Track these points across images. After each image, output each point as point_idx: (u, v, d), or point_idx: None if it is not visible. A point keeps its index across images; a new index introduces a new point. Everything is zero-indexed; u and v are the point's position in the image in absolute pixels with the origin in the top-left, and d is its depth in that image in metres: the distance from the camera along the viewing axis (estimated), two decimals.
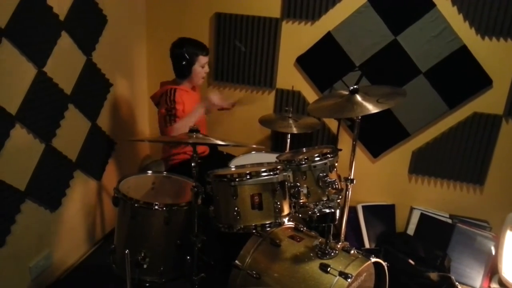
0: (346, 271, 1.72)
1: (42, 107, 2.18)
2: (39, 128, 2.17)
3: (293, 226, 2.13)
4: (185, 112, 2.50)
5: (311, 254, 1.86)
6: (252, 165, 2.05)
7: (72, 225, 2.62)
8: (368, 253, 1.88)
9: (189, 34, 2.66)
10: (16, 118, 2.01)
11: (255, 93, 3.16)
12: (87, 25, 2.50)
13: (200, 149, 2.66)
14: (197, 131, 2.00)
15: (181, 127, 2.37)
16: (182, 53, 2.53)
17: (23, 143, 2.10)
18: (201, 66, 2.60)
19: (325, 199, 1.92)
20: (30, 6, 2.00)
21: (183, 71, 2.58)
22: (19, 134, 2.06)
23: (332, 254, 1.83)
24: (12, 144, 2.01)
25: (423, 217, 2.96)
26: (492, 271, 2.70)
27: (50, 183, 2.33)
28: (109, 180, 2.93)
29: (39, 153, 2.22)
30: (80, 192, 2.64)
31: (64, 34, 2.28)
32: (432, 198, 3.04)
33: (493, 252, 2.68)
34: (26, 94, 2.05)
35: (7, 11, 1.89)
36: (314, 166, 1.93)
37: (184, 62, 2.54)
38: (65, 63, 2.31)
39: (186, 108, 2.51)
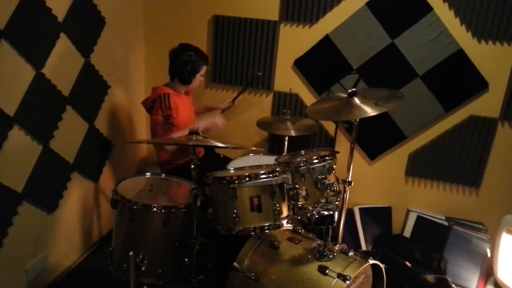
0: (345, 273, 1.73)
1: (40, 108, 2.18)
2: (36, 129, 2.17)
3: (292, 228, 2.13)
4: (180, 117, 2.51)
5: (310, 256, 1.87)
6: (251, 167, 2.05)
7: (69, 227, 2.61)
8: (365, 255, 1.89)
9: (187, 37, 2.67)
10: (14, 120, 2.01)
11: (253, 96, 3.17)
12: (86, 27, 2.49)
13: None
14: (196, 133, 2.01)
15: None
16: (191, 60, 2.54)
17: (21, 145, 2.09)
18: (201, 75, 2.65)
19: (323, 201, 1.93)
20: (29, 7, 2.00)
21: (184, 76, 2.58)
22: (17, 136, 2.05)
23: (331, 256, 1.84)
24: (10, 145, 2.00)
25: (420, 220, 2.97)
26: (488, 273, 2.72)
27: (47, 185, 2.32)
28: (106, 182, 2.93)
29: (37, 155, 2.21)
30: (77, 194, 2.64)
31: (62, 36, 2.27)
32: (429, 201, 3.06)
33: (489, 254, 2.70)
34: (24, 95, 2.05)
35: (6, 13, 1.89)
36: (313, 169, 1.93)
37: (189, 68, 2.55)
38: (63, 64, 2.30)
39: (180, 114, 2.52)
